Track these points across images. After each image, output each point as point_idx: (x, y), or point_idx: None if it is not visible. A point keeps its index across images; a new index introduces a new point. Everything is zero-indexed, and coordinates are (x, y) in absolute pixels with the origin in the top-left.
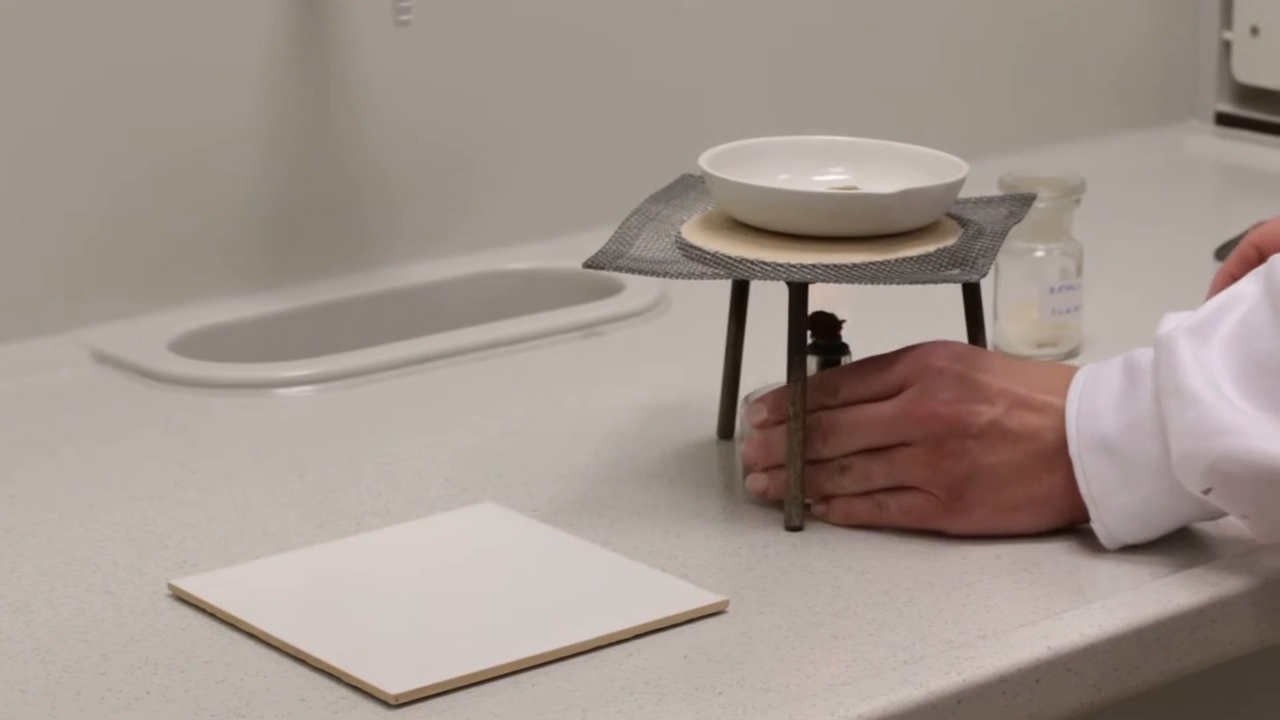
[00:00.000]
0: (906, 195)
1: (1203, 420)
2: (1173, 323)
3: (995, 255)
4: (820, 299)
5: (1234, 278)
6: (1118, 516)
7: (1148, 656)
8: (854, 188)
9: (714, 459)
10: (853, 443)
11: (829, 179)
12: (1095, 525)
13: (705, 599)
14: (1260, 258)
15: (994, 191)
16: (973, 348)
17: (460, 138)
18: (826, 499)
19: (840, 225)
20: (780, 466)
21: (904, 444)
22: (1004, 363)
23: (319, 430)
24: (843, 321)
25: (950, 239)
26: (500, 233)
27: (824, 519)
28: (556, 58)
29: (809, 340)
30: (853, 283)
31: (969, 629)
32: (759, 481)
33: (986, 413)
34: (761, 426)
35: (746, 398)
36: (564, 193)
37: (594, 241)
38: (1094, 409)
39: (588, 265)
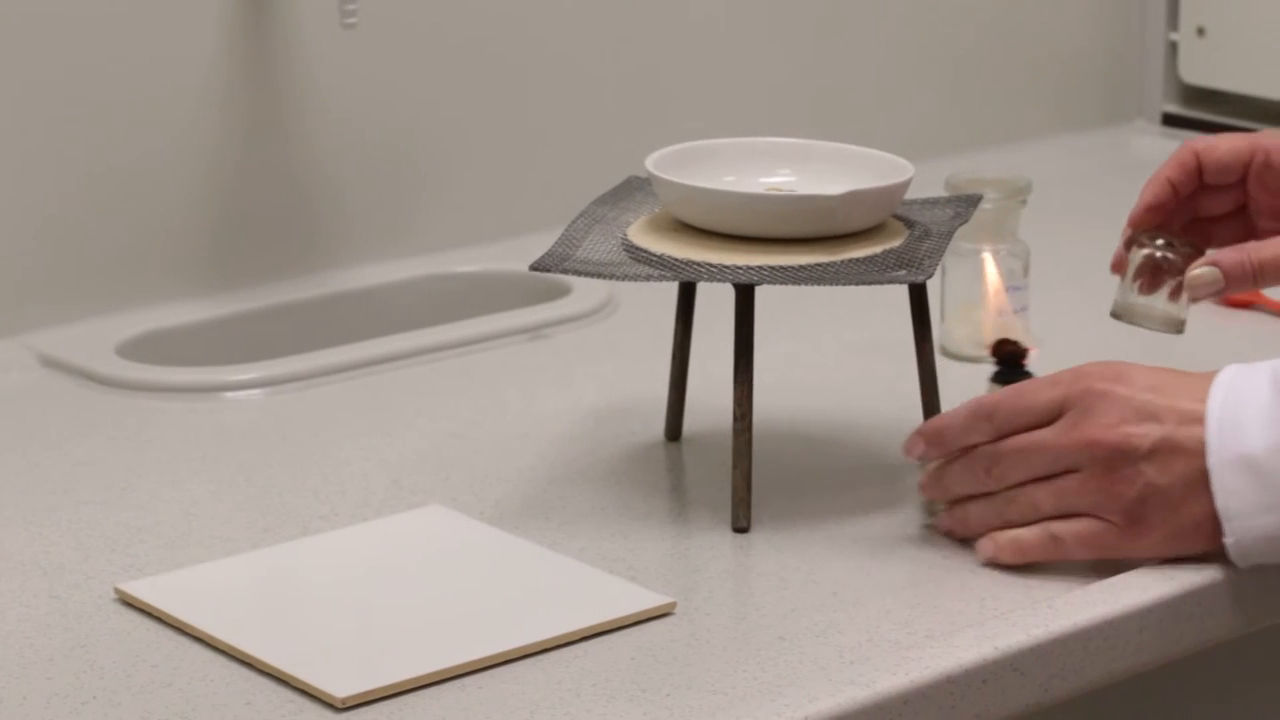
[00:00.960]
0: (852, 197)
1: None
2: None
3: (942, 256)
4: (1004, 324)
5: (1171, 183)
6: (1255, 538)
7: (1094, 657)
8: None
9: (661, 461)
10: (1016, 474)
11: (775, 180)
12: (1228, 541)
13: (652, 601)
14: (1199, 163)
15: (940, 193)
16: (1129, 365)
17: (407, 140)
18: (990, 533)
19: (786, 227)
20: (960, 501)
21: (1069, 470)
22: (1161, 376)
23: (266, 433)
24: (1027, 350)
25: (896, 240)
26: (447, 235)
27: (994, 558)
28: (503, 60)
29: (994, 369)
30: (799, 284)
31: (916, 630)
32: (943, 521)
33: (1154, 432)
34: (920, 459)
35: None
36: (510, 195)
37: (541, 244)
38: (1238, 421)
39: (534, 268)
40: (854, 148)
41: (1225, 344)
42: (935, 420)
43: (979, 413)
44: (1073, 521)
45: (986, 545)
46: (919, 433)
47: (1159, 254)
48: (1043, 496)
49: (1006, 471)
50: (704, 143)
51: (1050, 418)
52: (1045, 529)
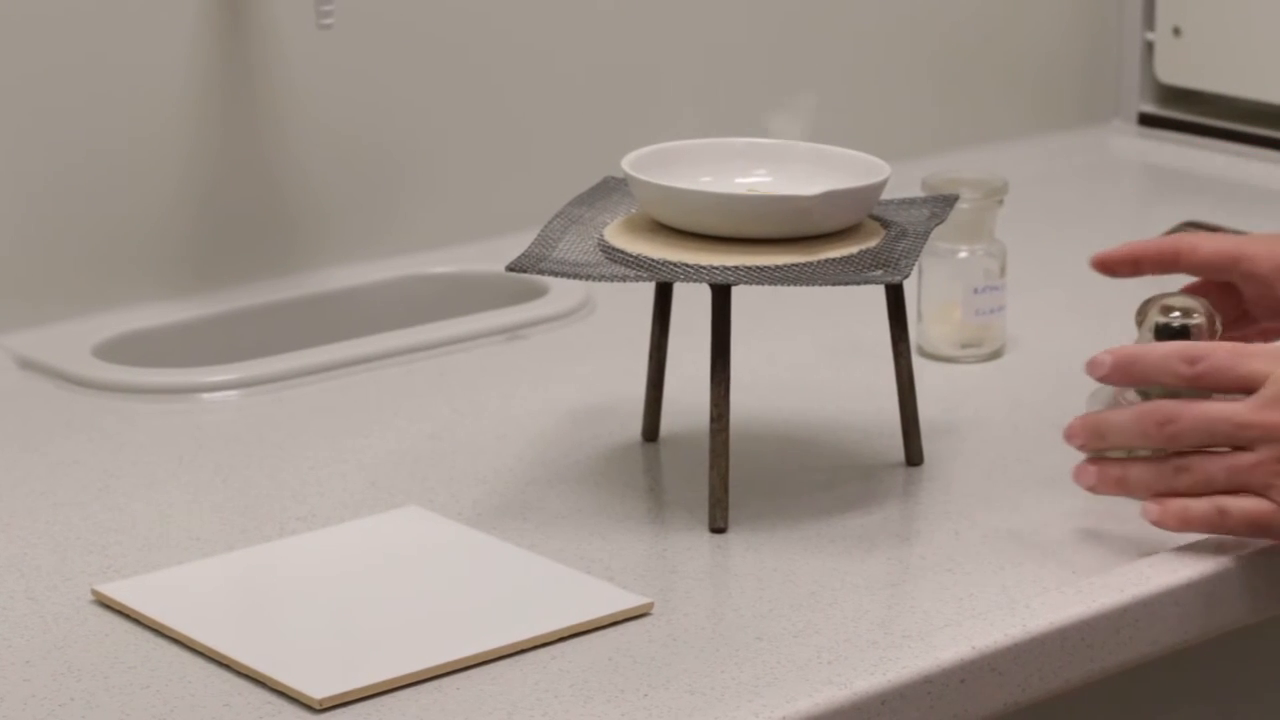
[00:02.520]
0: (828, 197)
1: None
2: None
3: (918, 256)
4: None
5: (1146, 259)
6: None
7: (1072, 656)
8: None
9: (639, 461)
10: (1193, 438)
11: (752, 181)
12: None
13: (630, 601)
14: (1178, 261)
15: (917, 193)
16: None
17: (384, 141)
18: (1158, 498)
19: (762, 227)
20: (1117, 459)
21: (1247, 448)
22: None
23: (243, 435)
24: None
25: (873, 240)
26: (424, 236)
27: (1160, 523)
28: (479, 61)
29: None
30: (776, 284)
31: (893, 629)
32: (1085, 473)
33: None
34: (1109, 383)
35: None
36: (487, 196)
37: (517, 245)
38: None
39: (511, 268)
40: (830, 148)
41: None
42: (1131, 348)
43: (1183, 355)
44: (1243, 499)
45: (1153, 509)
46: (1110, 353)
47: (1177, 324)
48: (1217, 470)
49: (1184, 433)
50: (680, 143)
51: (1249, 388)
52: (1214, 502)
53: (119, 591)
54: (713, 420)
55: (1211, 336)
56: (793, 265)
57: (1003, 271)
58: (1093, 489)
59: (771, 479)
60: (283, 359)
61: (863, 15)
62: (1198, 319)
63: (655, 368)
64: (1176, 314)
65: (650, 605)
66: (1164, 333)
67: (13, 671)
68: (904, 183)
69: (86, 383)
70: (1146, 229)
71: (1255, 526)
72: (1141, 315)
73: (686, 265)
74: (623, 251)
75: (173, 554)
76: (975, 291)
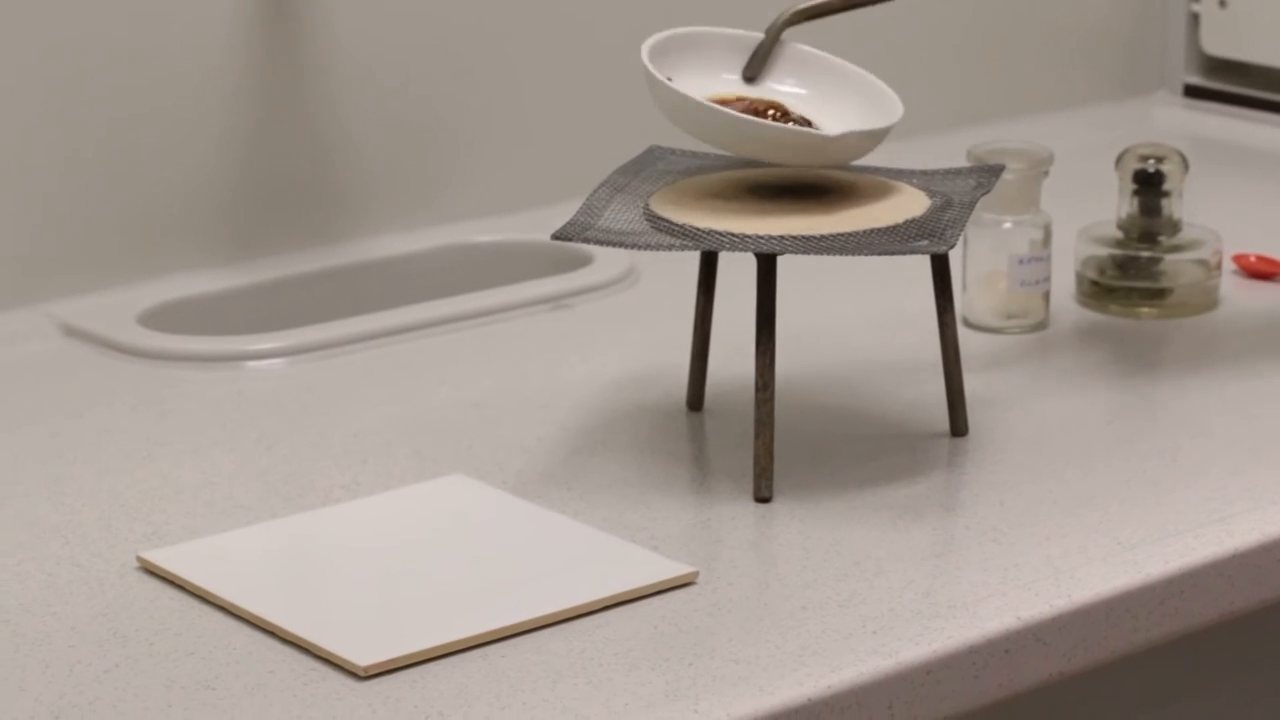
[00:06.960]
0: (846, 138)
1: None
2: None
3: (963, 226)
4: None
5: None
6: None
7: (1117, 627)
8: (779, 107)
9: (683, 431)
10: None
11: (773, 88)
12: None
13: (675, 570)
14: None
15: (962, 163)
16: None
17: (429, 110)
18: None
19: (778, 155)
20: None
21: None
22: None
23: (288, 403)
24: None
25: (918, 210)
26: (469, 205)
27: None
28: (525, 29)
29: None
30: (821, 254)
31: (939, 600)
32: None
33: None
34: None
35: None
36: (533, 165)
37: (562, 214)
38: None
39: (556, 237)
40: (853, 68)
41: (1250, 315)
42: None
43: None
44: None
45: None
46: None
47: (1152, 169)
48: None
49: None
50: (704, 30)
51: None
52: None
53: (164, 558)
54: (758, 390)
55: (1183, 179)
56: (838, 235)
57: (1047, 242)
58: None
59: (816, 449)
60: (327, 327)
61: None
62: (1169, 165)
63: (700, 337)
64: (1151, 160)
65: (695, 574)
66: (1140, 178)
67: (59, 638)
68: (949, 152)
69: (131, 350)
70: (1192, 200)
71: None
72: (1120, 163)
73: (732, 234)
74: (668, 220)
75: (217, 521)
76: (1020, 262)
